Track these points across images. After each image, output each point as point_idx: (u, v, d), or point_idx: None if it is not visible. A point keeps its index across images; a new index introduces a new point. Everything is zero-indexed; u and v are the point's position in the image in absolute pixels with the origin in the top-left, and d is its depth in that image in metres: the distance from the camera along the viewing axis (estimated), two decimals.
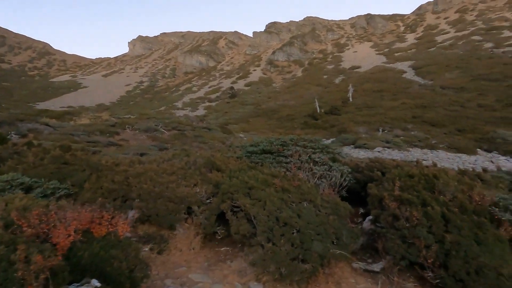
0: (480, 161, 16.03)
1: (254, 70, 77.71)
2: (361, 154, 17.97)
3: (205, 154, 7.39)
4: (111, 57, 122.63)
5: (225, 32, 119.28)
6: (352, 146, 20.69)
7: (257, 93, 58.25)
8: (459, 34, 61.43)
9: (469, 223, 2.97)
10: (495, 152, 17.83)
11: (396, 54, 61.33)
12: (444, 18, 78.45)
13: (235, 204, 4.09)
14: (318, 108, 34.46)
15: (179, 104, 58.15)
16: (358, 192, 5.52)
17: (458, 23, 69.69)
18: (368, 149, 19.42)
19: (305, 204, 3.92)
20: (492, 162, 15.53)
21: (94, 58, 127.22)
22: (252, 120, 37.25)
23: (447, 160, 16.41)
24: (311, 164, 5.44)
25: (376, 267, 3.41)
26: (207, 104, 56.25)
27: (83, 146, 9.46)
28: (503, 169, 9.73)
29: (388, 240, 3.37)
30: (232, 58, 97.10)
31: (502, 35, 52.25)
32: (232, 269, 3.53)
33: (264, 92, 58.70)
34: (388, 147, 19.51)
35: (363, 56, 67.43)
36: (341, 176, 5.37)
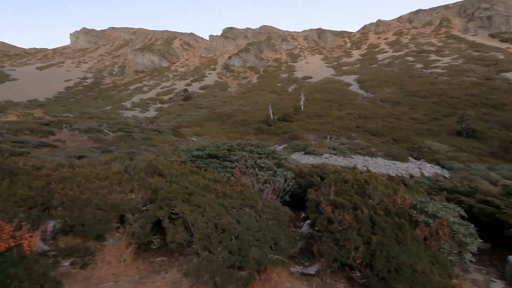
0: (411, 167, 17.94)
1: (210, 73, 76.91)
2: (310, 160, 18.80)
3: (148, 158, 6.96)
4: (49, 48, 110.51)
5: (180, 32, 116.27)
6: (303, 152, 21.55)
7: (212, 97, 57.60)
8: (396, 54, 68.81)
9: (391, 224, 3.23)
10: (423, 160, 20.15)
11: (343, 68, 66.15)
12: (384, 39, 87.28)
13: (173, 211, 3.88)
14: (271, 114, 35.31)
15: (127, 104, 54.61)
16: (301, 197, 5.69)
17: (395, 44, 78.10)
18: (317, 155, 20.40)
19: (246, 210, 3.88)
20: (420, 168, 17.51)
21: (27, 48, 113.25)
22: (206, 124, 36.62)
23: (384, 166, 18.04)
24: (256, 169, 5.47)
25: (311, 270, 3.51)
26: (159, 105, 53.82)
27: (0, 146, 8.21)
28: (426, 174, 11.02)
29: (323, 243, 3.49)
30: (187, 59, 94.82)
31: (430, 58, 59.93)
32: (166, 280, 3.31)
33: (219, 96, 58.30)
34: (335, 154, 20.75)
35: (314, 68, 71.37)
36: (285, 181, 5.49)
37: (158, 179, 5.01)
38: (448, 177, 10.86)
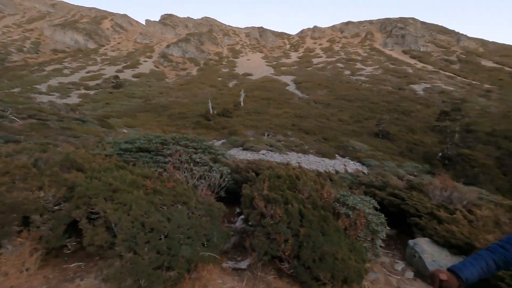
0: (337, 164, 19.77)
1: (145, 61, 71.62)
2: (248, 156, 19.11)
3: (65, 150, 6.09)
4: None
5: (112, 12, 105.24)
6: (241, 148, 21.78)
7: (147, 86, 53.77)
8: (328, 60, 74.85)
9: (318, 217, 3.46)
10: (348, 157, 22.42)
11: (282, 68, 69.03)
12: (319, 44, 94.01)
13: (93, 210, 3.46)
14: (211, 109, 34.76)
15: (42, 87, 47.10)
16: (237, 192, 5.71)
17: (328, 51, 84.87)
18: (254, 151, 20.86)
19: (178, 207, 3.70)
20: (344, 165, 19.43)
21: None
22: (140, 115, 34.04)
23: (315, 163, 19.47)
24: (191, 164, 5.27)
25: (243, 264, 3.54)
26: (83, 91, 47.90)
27: None
28: (349, 171, 12.30)
29: (255, 237, 3.55)
30: (119, 43, 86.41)
31: (356, 66, 66.91)
32: None
33: (155, 86, 54.78)
34: (271, 151, 21.53)
35: (254, 65, 72.71)
36: (221, 176, 5.43)
37: (76, 175, 4.41)
38: (366, 173, 12.29)
